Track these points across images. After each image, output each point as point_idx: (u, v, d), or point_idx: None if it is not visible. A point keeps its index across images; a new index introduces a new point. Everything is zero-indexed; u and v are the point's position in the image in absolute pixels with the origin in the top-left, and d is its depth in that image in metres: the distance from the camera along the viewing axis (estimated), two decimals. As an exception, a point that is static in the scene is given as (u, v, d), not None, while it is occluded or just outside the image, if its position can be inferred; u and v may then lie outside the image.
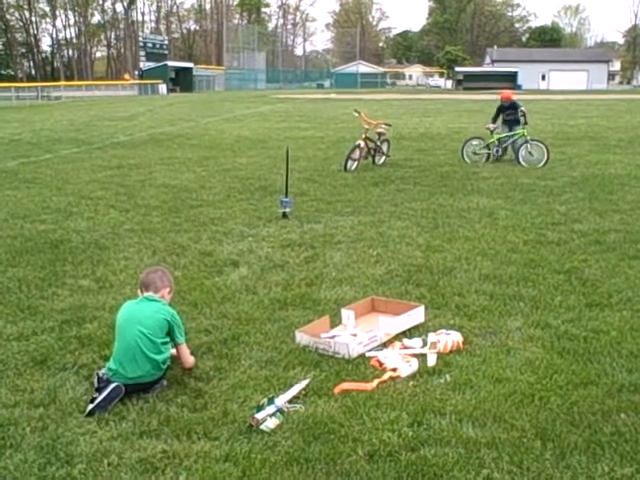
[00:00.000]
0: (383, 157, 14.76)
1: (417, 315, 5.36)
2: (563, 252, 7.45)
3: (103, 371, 4.25)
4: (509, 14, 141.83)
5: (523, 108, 14.91)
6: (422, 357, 4.70)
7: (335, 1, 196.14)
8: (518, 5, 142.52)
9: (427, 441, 3.68)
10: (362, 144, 14.01)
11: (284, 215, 9.16)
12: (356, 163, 13.84)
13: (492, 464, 3.48)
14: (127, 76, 79.00)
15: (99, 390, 4.08)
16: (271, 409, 3.91)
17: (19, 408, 4.07)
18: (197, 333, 5.19)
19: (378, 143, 14.60)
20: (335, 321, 5.37)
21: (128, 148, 17.99)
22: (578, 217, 9.20)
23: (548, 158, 14.26)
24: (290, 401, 4.07)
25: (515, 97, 15.83)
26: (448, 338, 4.89)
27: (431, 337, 4.90)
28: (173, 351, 4.46)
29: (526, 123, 14.82)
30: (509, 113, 15.31)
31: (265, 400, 3.96)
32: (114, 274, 6.74)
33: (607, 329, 5.20)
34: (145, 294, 4.48)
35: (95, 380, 4.20)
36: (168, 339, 4.36)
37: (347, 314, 5.34)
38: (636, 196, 10.76)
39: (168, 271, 4.81)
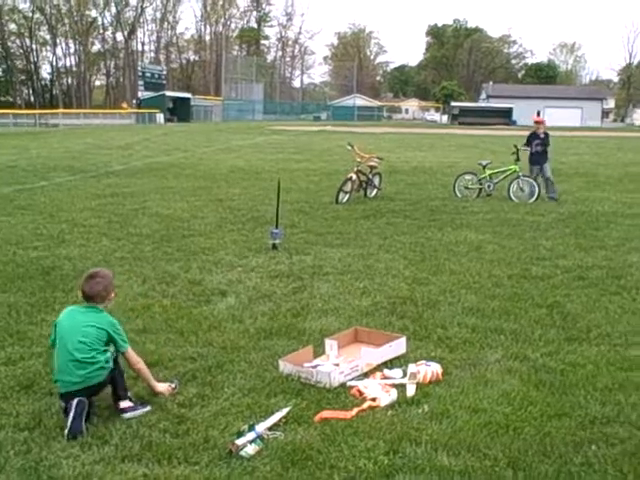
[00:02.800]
0: (375, 190, 14.96)
1: (399, 346, 5.46)
2: (546, 287, 7.58)
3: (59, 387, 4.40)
4: (506, 51, 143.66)
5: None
6: (402, 387, 4.80)
7: (334, 35, 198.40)
8: (515, 42, 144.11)
9: (402, 469, 3.76)
10: (354, 177, 14.20)
11: (274, 246, 9.27)
12: (348, 196, 14.02)
13: (464, 492, 3.57)
14: (125, 105, 79.47)
15: (66, 412, 4.20)
16: (251, 436, 3.99)
17: (4, 431, 4.15)
18: (182, 360, 5.29)
19: (370, 176, 14.80)
20: (319, 351, 5.46)
21: (123, 177, 18.15)
22: (563, 253, 9.35)
23: (539, 194, 14.45)
24: (270, 428, 4.15)
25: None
26: (428, 369, 4.99)
27: (411, 368, 5.00)
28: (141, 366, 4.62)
29: (518, 159, 14.94)
30: (538, 143, 14.85)
31: (246, 427, 4.05)
32: (103, 301, 6.81)
33: (584, 363, 5.31)
34: (89, 304, 4.55)
35: (59, 397, 4.38)
36: (109, 346, 4.47)
37: (330, 344, 5.45)
38: (621, 233, 10.93)
39: (106, 271, 4.72)
